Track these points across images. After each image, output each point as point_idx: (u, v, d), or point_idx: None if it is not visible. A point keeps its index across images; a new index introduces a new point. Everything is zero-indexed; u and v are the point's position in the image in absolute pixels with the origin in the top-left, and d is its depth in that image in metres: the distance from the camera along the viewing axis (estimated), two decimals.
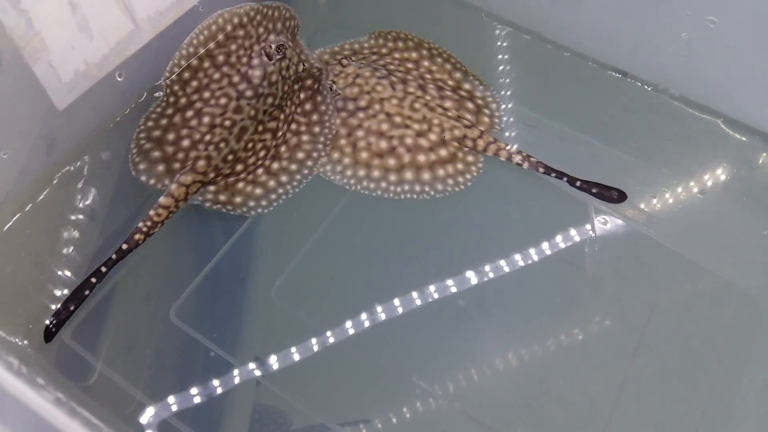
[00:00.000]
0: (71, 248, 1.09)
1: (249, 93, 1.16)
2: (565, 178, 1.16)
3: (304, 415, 0.99)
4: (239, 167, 1.16)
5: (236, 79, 1.17)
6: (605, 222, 1.17)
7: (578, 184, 1.16)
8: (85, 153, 1.16)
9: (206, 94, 1.16)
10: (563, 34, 1.38)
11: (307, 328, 1.05)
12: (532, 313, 1.09)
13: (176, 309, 1.07)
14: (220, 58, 1.19)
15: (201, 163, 1.11)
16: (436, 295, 1.09)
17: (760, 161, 1.26)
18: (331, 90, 1.22)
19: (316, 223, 1.17)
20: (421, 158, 1.18)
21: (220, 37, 1.19)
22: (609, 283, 1.12)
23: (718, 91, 1.27)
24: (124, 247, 1.03)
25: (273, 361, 1.02)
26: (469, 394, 1.01)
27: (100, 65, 1.11)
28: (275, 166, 1.18)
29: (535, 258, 1.13)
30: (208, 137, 1.13)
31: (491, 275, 1.11)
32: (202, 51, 1.19)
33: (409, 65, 1.31)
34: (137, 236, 1.04)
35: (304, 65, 1.25)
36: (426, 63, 1.32)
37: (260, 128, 1.17)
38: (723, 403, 1.01)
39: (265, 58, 1.19)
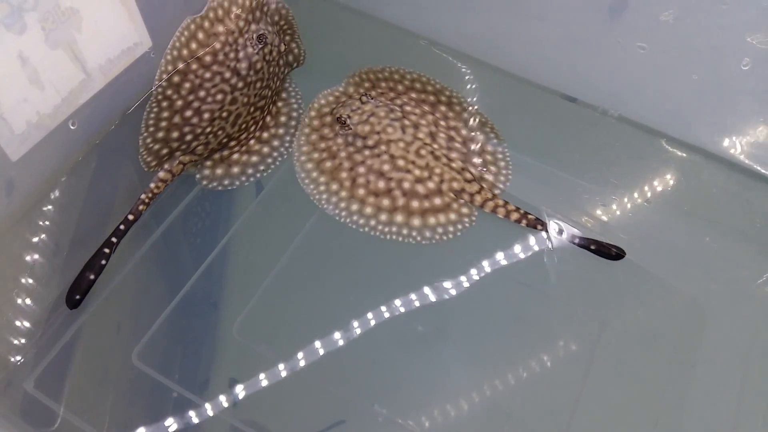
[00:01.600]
0: (31, 291, 1.09)
1: (240, 84, 1.24)
2: (564, 235, 1.19)
3: None
4: (233, 143, 1.28)
5: (228, 74, 1.23)
6: (561, 231, 1.21)
7: (576, 241, 1.18)
8: (43, 197, 1.16)
9: (202, 93, 1.22)
10: (516, 64, 1.43)
11: (270, 363, 1.06)
12: (490, 335, 1.12)
13: (138, 352, 1.07)
14: (207, 58, 1.22)
15: (200, 147, 1.22)
16: (395, 323, 1.11)
17: (699, 174, 1.32)
18: (345, 124, 1.26)
19: (276, 257, 1.19)
20: (415, 204, 1.21)
21: (201, 36, 1.22)
22: (563, 297, 1.16)
23: (656, 111, 1.33)
24: (130, 218, 1.13)
25: (237, 397, 1.03)
26: (431, 419, 1.03)
27: (53, 115, 1.12)
28: (265, 135, 1.31)
29: (492, 278, 1.17)
30: (208, 129, 1.22)
31: (450, 299, 1.14)
32: (185, 52, 1.21)
33: (426, 107, 1.33)
34: (140, 207, 1.15)
35: (284, 45, 1.33)
36: (443, 108, 1.34)
37: (252, 109, 1.28)
38: (675, 407, 1.05)
39: (250, 50, 1.24)
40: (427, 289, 1.15)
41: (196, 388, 1.05)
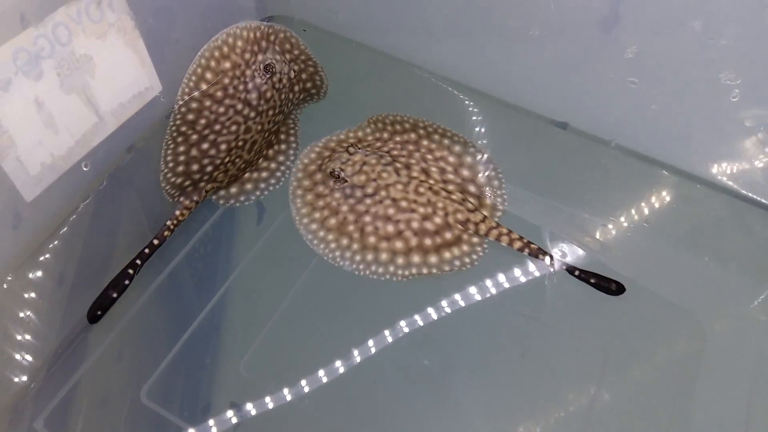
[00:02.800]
0: (44, 329, 1.11)
1: (252, 114, 1.29)
2: (564, 267, 1.20)
3: None
4: (245, 166, 1.34)
5: (239, 106, 1.28)
6: (563, 255, 1.23)
7: (577, 273, 1.19)
8: (50, 235, 1.19)
9: (217, 127, 1.27)
10: (509, 93, 1.47)
11: (277, 399, 1.07)
12: (495, 368, 1.12)
13: (147, 390, 1.08)
14: (219, 94, 1.27)
15: (220, 175, 1.28)
16: (401, 357, 1.12)
17: (695, 200, 1.34)
18: (339, 178, 1.26)
19: (281, 295, 1.20)
20: (428, 241, 1.21)
21: (209, 75, 1.27)
22: (565, 326, 1.16)
23: (651, 140, 1.37)
24: (155, 242, 1.18)
25: None
26: None
27: (66, 157, 1.16)
28: (271, 152, 1.38)
29: (496, 310, 1.18)
30: (227, 159, 1.27)
31: (454, 333, 1.15)
32: (196, 94, 1.26)
33: (411, 147, 1.34)
34: (165, 233, 1.20)
35: (294, 72, 1.38)
36: (425, 142, 1.35)
37: (266, 135, 1.34)
38: (680, 425, 1.05)
39: (258, 80, 1.30)
40: (432, 323, 1.16)
41: (205, 425, 1.05)
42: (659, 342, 1.15)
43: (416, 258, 1.20)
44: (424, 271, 1.19)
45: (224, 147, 1.26)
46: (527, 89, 1.44)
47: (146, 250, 1.17)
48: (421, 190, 1.25)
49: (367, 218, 1.23)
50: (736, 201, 1.33)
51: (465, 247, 1.22)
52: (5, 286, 1.13)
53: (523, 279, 1.21)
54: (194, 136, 1.25)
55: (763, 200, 1.32)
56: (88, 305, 1.12)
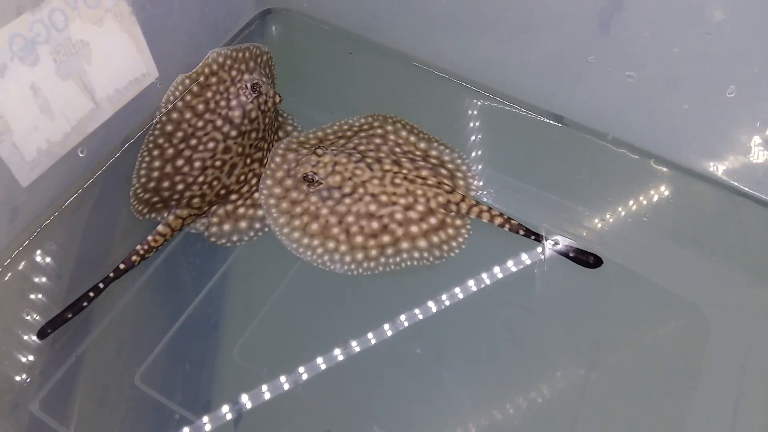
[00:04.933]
0: (36, 315, 1.11)
1: (233, 133, 1.24)
2: (544, 241, 1.22)
3: None
4: (234, 197, 1.26)
5: (219, 122, 1.24)
6: (556, 242, 1.24)
7: (558, 247, 1.22)
8: (49, 221, 1.20)
9: (193, 142, 1.23)
10: (505, 85, 1.47)
11: (271, 385, 1.08)
12: (488, 356, 1.14)
13: (141, 374, 1.09)
14: (200, 107, 1.25)
15: (196, 200, 1.21)
16: (394, 345, 1.13)
17: (690, 194, 1.35)
18: (313, 182, 1.23)
19: (276, 282, 1.21)
20: (414, 229, 1.21)
21: (195, 88, 1.26)
22: (557, 316, 1.18)
23: (647, 134, 1.37)
24: (122, 266, 1.12)
25: (237, 418, 1.05)
26: None
27: (62, 143, 1.16)
28: None
29: (488, 299, 1.19)
30: (201, 178, 1.22)
31: (447, 321, 1.16)
32: (180, 104, 1.25)
33: (378, 141, 1.33)
34: (134, 257, 1.13)
35: (280, 96, 1.32)
36: (392, 137, 1.35)
37: (248, 161, 1.28)
38: (671, 423, 1.06)
39: (243, 98, 1.25)
40: (424, 312, 1.17)
41: (198, 410, 1.06)
42: (651, 332, 1.16)
43: (405, 245, 1.20)
44: (416, 255, 1.20)
45: (198, 165, 1.22)
46: (523, 81, 1.44)
47: (111, 275, 1.11)
48: (397, 181, 1.25)
49: (351, 218, 1.22)
50: (732, 195, 1.33)
51: (450, 231, 1.23)
52: (6, 265, 1.14)
53: (514, 269, 1.22)
54: (170, 150, 1.22)
55: (760, 194, 1.32)
56: (86, 290, 1.14)
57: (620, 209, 1.31)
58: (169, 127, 1.24)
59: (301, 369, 1.10)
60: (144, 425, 1.07)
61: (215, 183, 1.23)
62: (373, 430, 1.05)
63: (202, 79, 1.27)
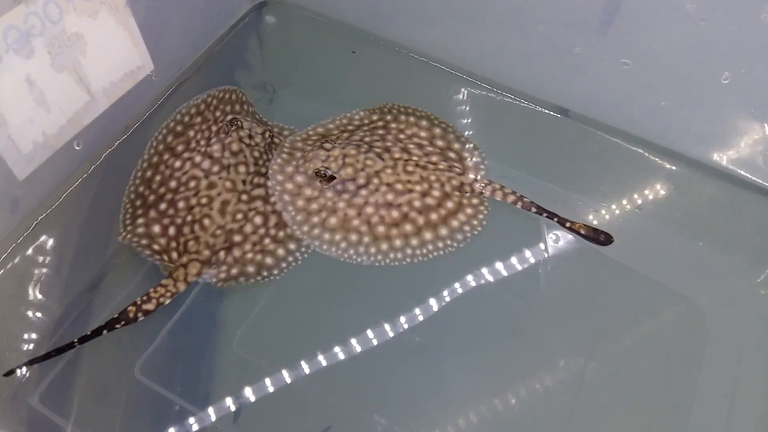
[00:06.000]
0: (35, 306, 1.12)
1: (215, 168, 1.20)
2: (555, 219, 1.22)
3: None
4: (238, 238, 1.16)
5: (198, 159, 1.21)
6: (557, 238, 1.24)
7: (568, 225, 1.22)
8: (47, 214, 1.20)
9: (173, 184, 1.19)
10: (503, 76, 1.47)
11: (270, 375, 1.08)
12: (486, 345, 1.14)
13: (140, 366, 1.09)
14: (179, 147, 1.23)
15: (190, 243, 1.14)
16: (394, 334, 1.13)
17: (688, 182, 1.36)
18: (326, 176, 1.22)
19: None
20: (434, 216, 1.21)
21: (179, 128, 1.25)
22: (556, 305, 1.18)
23: (643, 123, 1.37)
24: (115, 317, 1.07)
25: (237, 409, 1.05)
26: (430, 427, 1.05)
27: (58, 136, 1.16)
28: (281, 234, 1.19)
29: (486, 289, 1.19)
30: (189, 218, 1.16)
31: (446, 310, 1.16)
32: (161, 147, 1.23)
33: (381, 131, 1.32)
34: (129, 308, 1.07)
35: (270, 132, 1.28)
36: (393, 125, 1.34)
37: (244, 197, 1.20)
38: (679, 411, 1.07)
39: (222, 134, 1.23)
40: (424, 302, 1.17)
41: (198, 401, 1.06)
42: (649, 320, 1.16)
43: (428, 235, 1.20)
44: (440, 245, 1.20)
45: (182, 204, 1.17)
46: (519, 71, 1.44)
47: (103, 325, 1.07)
48: (410, 168, 1.25)
49: (369, 209, 1.21)
50: (728, 182, 1.34)
51: (469, 211, 1.23)
52: (6, 255, 1.14)
53: (514, 259, 1.23)
54: (151, 197, 1.19)
55: (757, 181, 1.32)
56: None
57: (616, 199, 1.32)
58: (148, 173, 1.21)
59: (300, 359, 1.10)
60: (144, 417, 1.07)
61: (207, 222, 1.16)
62: (373, 419, 1.05)
63: (186, 119, 1.26)
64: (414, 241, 1.19)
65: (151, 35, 1.26)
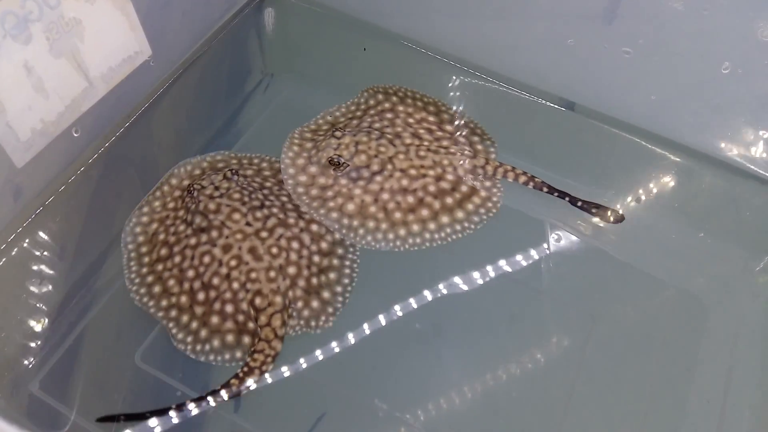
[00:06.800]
0: (37, 294, 1.12)
1: (214, 233, 1.13)
2: (567, 198, 1.24)
3: None
4: (292, 270, 1.12)
5: (193, 240, 1.13)
6: (558, 238, 1.25)
7: (579, 204, 1.24)
8: (48, 202, 1.19)
9: (191, 273, 1.11)
10: (506, 67, 1.47)
11: (277, 362, 1.09)
12: (485, 332, 1.15)
13: (141, 353, 1.09)
14: (166, 249, 1.15)
15: (258, 301, 1.09)
16: (393, 319, 1.14)
17: (687, 173, 1.36)
18: (339, 164, 1.22)
19: None
20: (449, 200, 1.22)
21: (155, 225, 1.18)
22: (556, 297, 1.19)
23: (643, 113, 1.37)
24: (217, 388, 1.03)
25: (238, 394, 1.05)
26: (430, 412, 1.06)
27: (57, 123, 1.15)
28: (324, 245, 1.17)
29: (486, 278, 1.20)
30: (235, 285, 1.10)
31: (445, 298, 1.17)
32: (144, 249, 1.16)
33: (389, 116, 1.32)
34: (232, 380, 1.03)
35: (230, 170, 1.20)
36: (401, 108, 1.34)
37: (264, 234, 1.14)
38: (677, 395, 1.08)
39: (191, 206, 1.16)
40: (423, 290, 1.18)
41: (199, 387, 1.07)
42: (648, 310, 1.17)
43: (445, 219, 1.21)
44: (458, 228, 1.21)
45: (217, 281, 1.10)
46: (521, 63, 1.44)
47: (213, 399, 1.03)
48: (422, 153, 1.25)
49: (385, 195, 1.22)
50: (728, 173, 1.34)
51: (483, 193, 1.24)
52: (4, 248, 1.14)
53: (515, 248, 1.23)
54: (183, 298, 1.11)
55: (758, 171, 1.33)
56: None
57: (618, 190, 1.32)
58: (156, 288, 1.12)
59: (302, 345, 1.11)
60: (145, 404, 1.07)
61: (254, 275, 1.10)
62: (374, 404, 1.06)
63: (156, 211, 1.20)
64: (431, 226, 1.20)
65: (149, 20, 1.25)
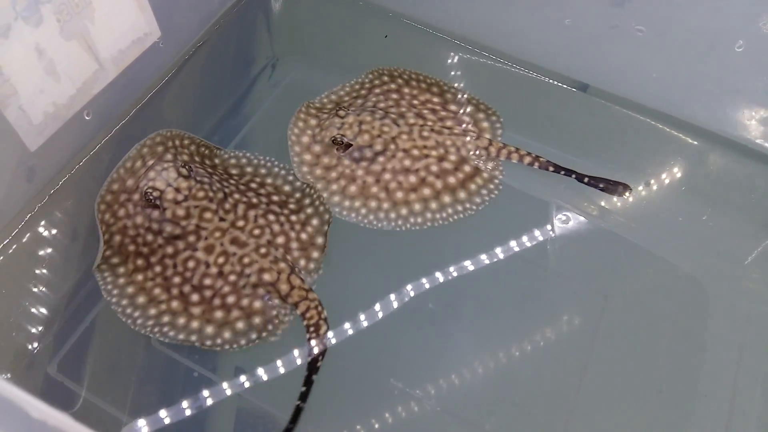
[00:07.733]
0: (51, 277, 1.13)
1: (191, 238, 1.11)
2: (573, 176, 1.24)
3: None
4: (281, 239, 1.14)
5: (170, 249, 1.11)
6: (566, 219, 1.25)
7: (586, 180, 1.24)
8: (61, 186, 1.19)
9: (177, 280, 1.09)
10: (525, 51, 1.46)
11: (286, 341, 1.09)
12: (497, 311, 1.16)
13: None
14: (145, 259, 1.11)
15: (266, 277, 1.09)
16: (406, 300, 1.15)
17: (696, 153, 1.36)
18: (343, 143, 1.22)
19: None
20: (452, 180, 1.22)
21: (118, 237, 1.12)
22: (567, 277, 1.19)
23: (654, 92, 1.36)
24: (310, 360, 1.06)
25: (254, 375, 1.06)
26: (444, 391, 1.07)
27: (68, 106, 1.14)
28: (302, 216, 1.18)
29: (498, 258, 1.20)
30: (232, 278, 1.09)
31: (457, 278, 1.18)
32: (121, 280, 1.10)
33: (394, 96, 1.32)
34: (312, 344, 1.06)
35: (184, 165, 1.14)
36: (406, 89, 1.34)
37: (241, 223, 1.13)
38: (677, 374, 1.09)
39: (155, 213, 1.11)
40: (436, 270, 1.18)
41: (216, 369, 1.08)
42: (658, 290, 1.18)
43: (447, 198, 1.22)
44: (459, 208, 1.21)
45: (209, 281, 1.09)
46: (533, 43, 1.42)
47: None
48: (425, 133, 1.25)
49: (387, 175, 1.22)
50: (741, 155, 1.34)
51: (485, 174, 1.24)
52: (16, 234, 1.14)
53: (525, 225, 1.24)
54: (174, 302, 1.08)
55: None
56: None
57: (625, 169, 1.32)
58: (141, 299, 1.09)
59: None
60: (161, 384, 1.08)
61: (247, 259, 1.10)
62: (390, 383, 1.07)
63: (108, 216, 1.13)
64: (433, 205, 1.21)
65: (158, 0, 1.24)
